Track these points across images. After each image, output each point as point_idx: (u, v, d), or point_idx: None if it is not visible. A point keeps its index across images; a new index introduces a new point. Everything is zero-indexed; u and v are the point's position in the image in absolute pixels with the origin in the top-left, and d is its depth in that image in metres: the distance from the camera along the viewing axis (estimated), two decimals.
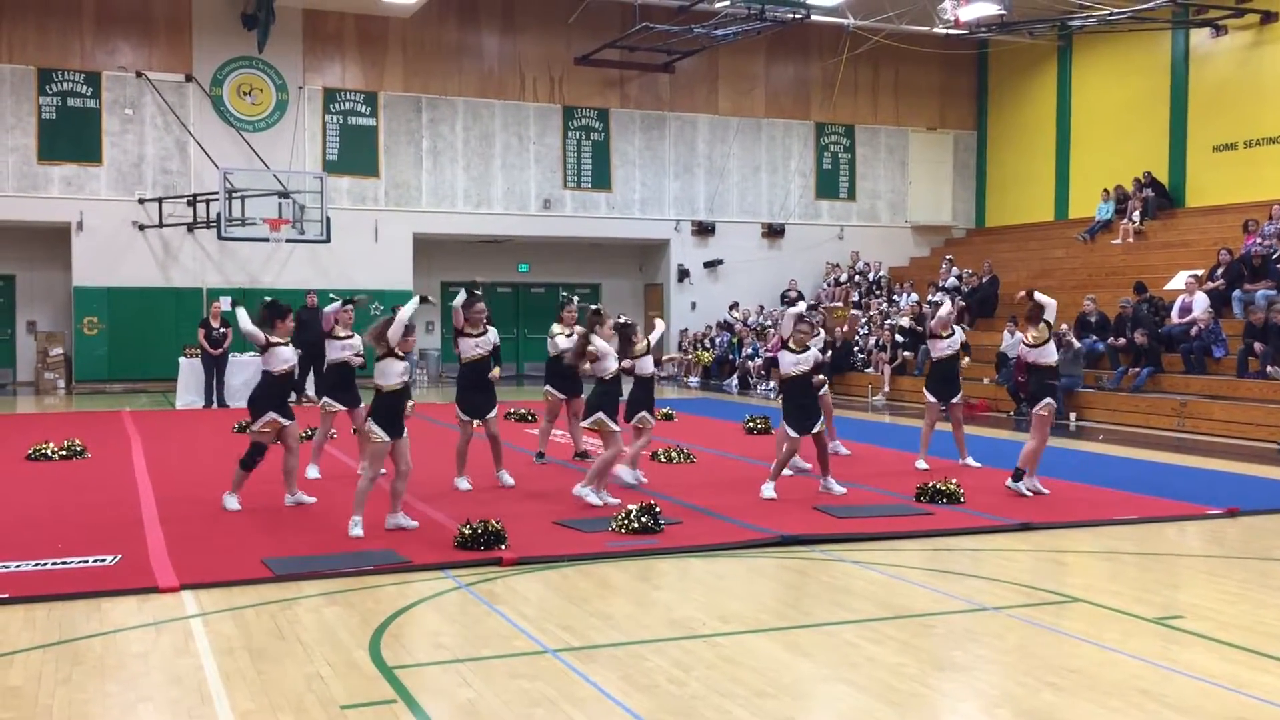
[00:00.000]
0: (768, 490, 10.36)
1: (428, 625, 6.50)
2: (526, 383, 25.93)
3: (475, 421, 10.82)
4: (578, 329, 10.58)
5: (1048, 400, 10.49)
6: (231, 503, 9.78)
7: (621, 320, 10.78)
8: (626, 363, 10.45)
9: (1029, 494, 10.46)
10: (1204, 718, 5.10)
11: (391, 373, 8.71)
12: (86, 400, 21.51)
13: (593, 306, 10.31)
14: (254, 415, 9.89)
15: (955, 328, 12.72)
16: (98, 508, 9.89)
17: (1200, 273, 19.68)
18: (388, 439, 8.67)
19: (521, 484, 10.97)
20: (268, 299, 10.46)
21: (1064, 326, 18.89)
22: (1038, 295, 10.70)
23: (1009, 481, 10.55)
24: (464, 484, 10.85)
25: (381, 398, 8.71)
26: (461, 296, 10.82)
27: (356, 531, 8.62)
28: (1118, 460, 13.60)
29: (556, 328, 12.27)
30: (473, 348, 10.80)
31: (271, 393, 9.89)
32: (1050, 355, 10.62)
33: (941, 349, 12.49)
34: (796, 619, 6.70)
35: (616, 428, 9.94)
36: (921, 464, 12.26)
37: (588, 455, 12.53)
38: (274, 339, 9.96)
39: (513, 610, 6.80)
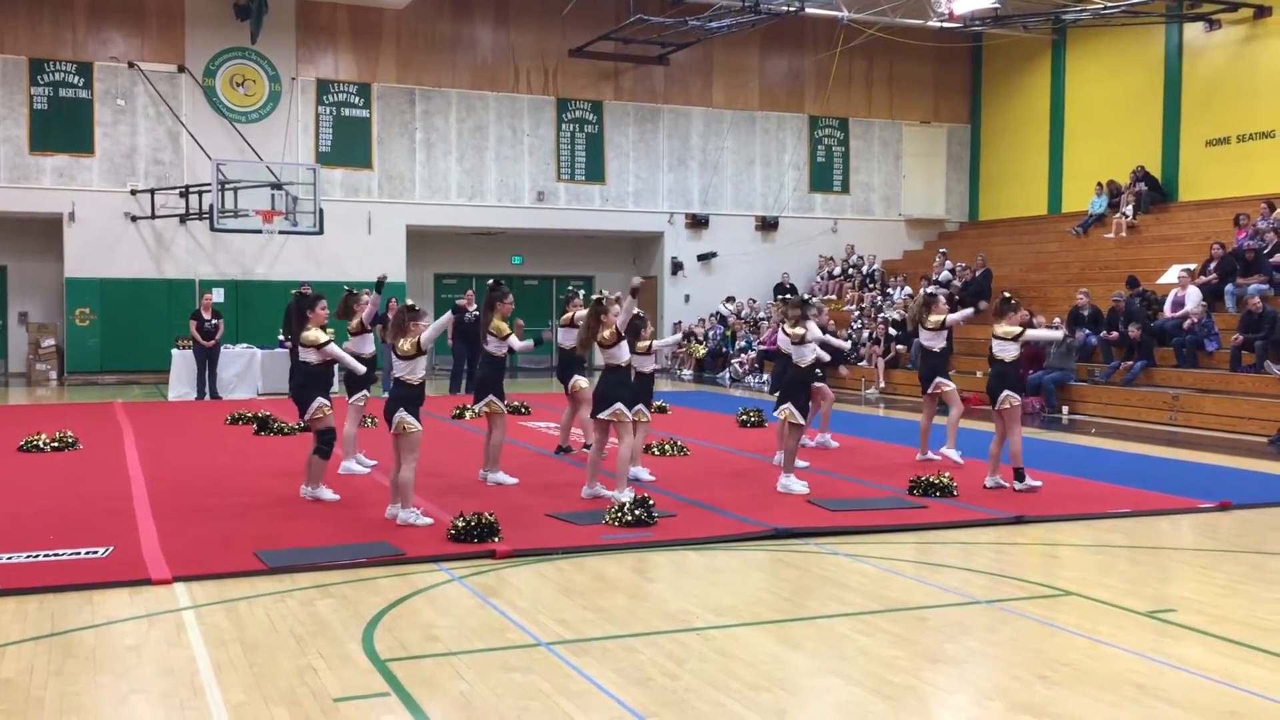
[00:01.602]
0: (797, 485, 10.31)
1: (421, 618, 6.49)
2: (520, 375, 25.93)
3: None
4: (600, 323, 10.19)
5: (1007, 393, 10.54)
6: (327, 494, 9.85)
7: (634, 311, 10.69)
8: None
9: (1037, 484, 10.52)
10: (1197, 711, 5.11)
11: (420, 368, 9.01)
12: (78, 392, 21.46)
13: (595, 296, 10.25)
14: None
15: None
16: (90, 499, 9.86)
17: (1193, 267, 19.70)
18: (420, 428, 8.87)
19: (515, 477, 10.93)
20: (295, 291, 10.52)
21: (1057, 320, 18.92)
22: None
23: (1014, 485, 10.53)
24: (508, 479, 10.73)
25: (412, 390, 8.91)
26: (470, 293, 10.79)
27: (425, 520, 8.76)
28: (1110, 454, 13.62)
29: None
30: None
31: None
32: (1011, 351, 10.64)
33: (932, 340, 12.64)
34: (790, 612, 6.70)
35: (631, 418, 9.82)
36: (955, 456, 12.31)
37: (571, 450, 12.48)
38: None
39: (506, 603, 6.80)
